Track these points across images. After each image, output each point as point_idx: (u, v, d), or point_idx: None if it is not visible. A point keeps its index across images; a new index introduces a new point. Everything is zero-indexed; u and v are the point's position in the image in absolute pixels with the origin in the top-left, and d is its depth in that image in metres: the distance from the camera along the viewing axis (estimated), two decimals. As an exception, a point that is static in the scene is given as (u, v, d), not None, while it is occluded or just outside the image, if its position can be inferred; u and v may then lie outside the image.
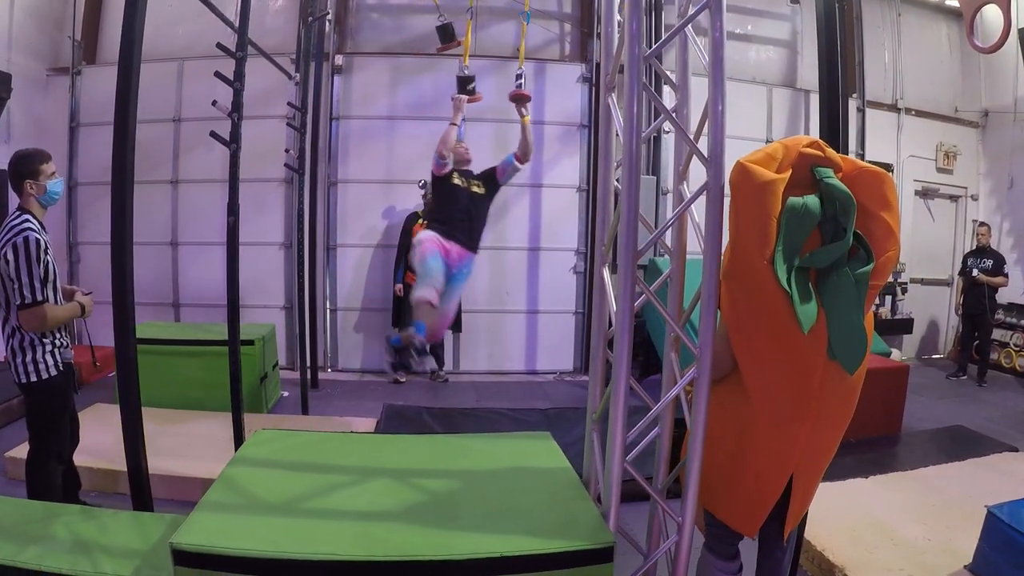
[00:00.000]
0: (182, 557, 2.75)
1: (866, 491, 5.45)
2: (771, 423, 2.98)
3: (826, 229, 2.85)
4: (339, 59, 9.88)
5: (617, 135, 3.17)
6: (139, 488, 4.27)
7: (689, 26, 3.12)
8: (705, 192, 2.88)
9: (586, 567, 2.85)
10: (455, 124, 6.12)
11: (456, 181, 6.00)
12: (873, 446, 6.86)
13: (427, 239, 5.83)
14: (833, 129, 3.84)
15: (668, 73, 3.46)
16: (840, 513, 4.96)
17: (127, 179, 4.03)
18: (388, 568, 2.76)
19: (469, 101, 6.50)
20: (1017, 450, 6.88)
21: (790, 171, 2.82)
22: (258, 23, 4.94)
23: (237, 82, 4.93)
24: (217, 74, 4.88)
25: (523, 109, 6.27)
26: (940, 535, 4.69)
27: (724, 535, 3.28)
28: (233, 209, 4.89)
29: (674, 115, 3.16)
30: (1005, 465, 6.33)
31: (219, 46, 4.88)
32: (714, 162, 2.83)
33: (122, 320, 4.14)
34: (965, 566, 4.22)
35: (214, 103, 4.98)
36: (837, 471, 5.80)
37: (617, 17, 3.29)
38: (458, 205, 5.96)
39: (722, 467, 3.10)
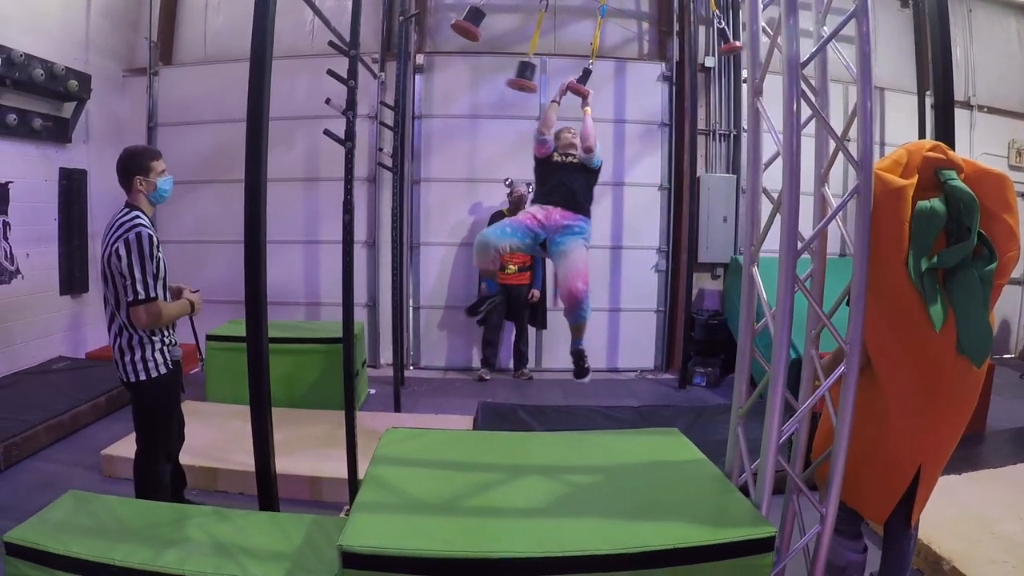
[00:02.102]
0: (352, 559, 2.82)
1: (962, 487, 5.53)
2: (903, 415, 3.20)
3: (951, 230, 3.06)
4: (420, 58, 9.93)
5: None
6: (267, 488, 4.32)
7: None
8: (856, 195, 3.02)
9: (748, 557, 3.00)
10: (556, 102, 6.26)
11: (556, 159, 6.10)
12: (961, 444, 6.73)
13: (518, 215, 6.07)
14: (949, 131, 3.91)
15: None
16: (940, 508, 4.93)
17: (260, 177, 4.10)
18: (567, 563, 2.83)
19: (520, 89, 6.58)
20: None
21: (916, 176, 3.04)
22: (337, 22, 4.94)
23: (351, 79, 4.95)
24: (330, 72, 4.92)
25: (585, 103, 6.35)
26: None
27: (852, 518, 3.53)
28: (348, 207, 4.91)
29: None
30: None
31: (331, 44, 4.91)
32: (864, 165, 2.98)
33: (255, 321, 4.22)
34: None
35: (327, 101, 5.02)
36: None
37: (761, 21, 3.34)
38: (555, 176, 6.03)
39: (856, 457, 3.23)
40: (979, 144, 11.75)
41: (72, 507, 3.75)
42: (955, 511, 5.04)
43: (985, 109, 11.84)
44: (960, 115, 11.31)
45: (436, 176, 10.12)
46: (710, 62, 10.09)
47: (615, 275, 10.33)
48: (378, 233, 9.62)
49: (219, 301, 7.77)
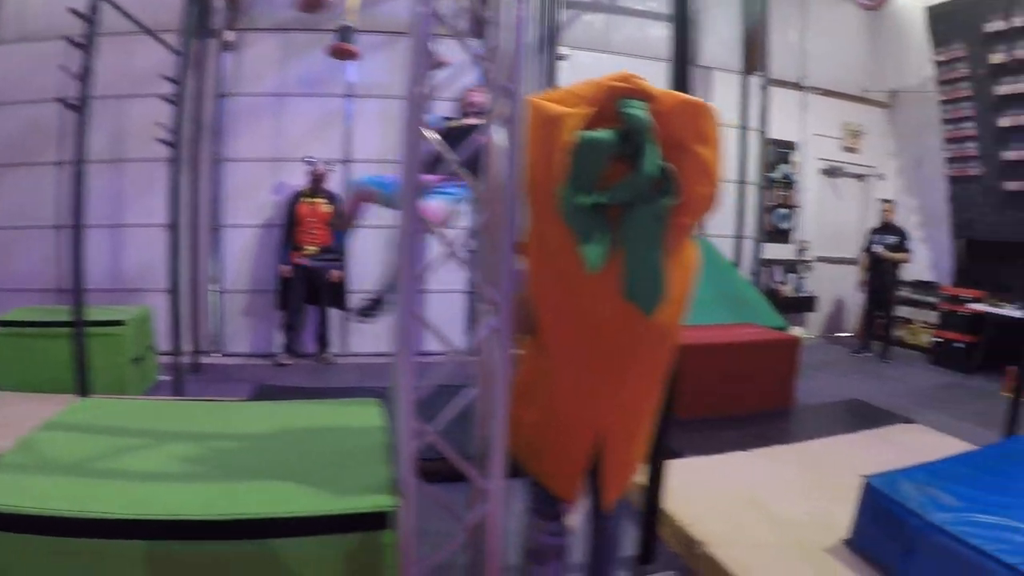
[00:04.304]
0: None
1: (746, 464, 5.28)
2: (570, 375, 2.80)
3: (636, 165, 2.62)
4: (230, 35, 9.63)
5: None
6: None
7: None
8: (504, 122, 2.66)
9: (363, 532, 2.73)
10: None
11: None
12: (763, 420, 6.71)
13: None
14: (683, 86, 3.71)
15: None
16: (713, 486, 4.79)
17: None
18: (151, 526, 2.65)
19: (342, 56, 6.35)
20: (913, 422, 6.75)
21: (594, 108, 2.62)
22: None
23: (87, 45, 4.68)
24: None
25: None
26: (820, 509, 4.47)
27: (549, 497, 3.05)
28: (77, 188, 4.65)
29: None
30: (899, 436, 6.17)
31: (73, 10, 4.62)
32: (514, 95, 2.62)
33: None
34: (843, 540, 4.03)
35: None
36: (716, 444, 5.73)
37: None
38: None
39: (534, 426, 2.91)
40: (812, 125, 11.91)
41: None
42: (730, 490, 4.76)
43: (820, 91, 11.93)
44: (792, 96, 11.63)
45: (241, 156, 9.58)
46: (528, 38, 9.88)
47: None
48: (180, 215, 9.30)
49: (22, 290, 7.51)
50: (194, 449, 3.35)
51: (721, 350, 6.84)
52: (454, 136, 5.69)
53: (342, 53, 6.67)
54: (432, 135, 2.63)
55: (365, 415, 3.89)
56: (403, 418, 2.67)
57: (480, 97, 5.61)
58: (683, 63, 3.67)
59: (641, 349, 2.80)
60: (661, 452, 3.89)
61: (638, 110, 2.60)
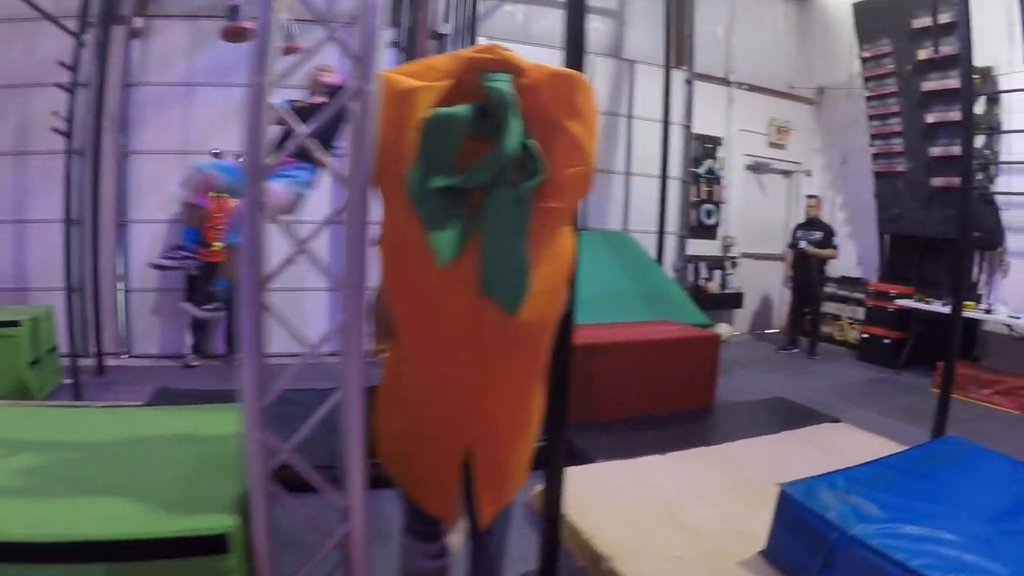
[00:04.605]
0: None
1: (659, 469, 4.97)
2: (433, 382, 2.49)
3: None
4: (138, 22, 9.21)
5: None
6: None
7: None
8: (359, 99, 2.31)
9: (201, 556, 2.41)
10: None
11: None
12: (682, 420, 6.43)
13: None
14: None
15: None
16: (622, 494, 4.48)
17: None
18: None
19: (236, 37, 6.03)
20: (838, 421, 6.55)
21: (451, 81, 2.32)
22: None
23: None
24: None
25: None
26: (735, 516, 4.20)
27: (421, 514, 2.69)
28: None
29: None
30: (822, 437, 5.95)
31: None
32: (363, 64, 2.29)
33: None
34: (759, 551, 3.73)
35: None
36: (632, 447, 5.39)
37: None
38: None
39: (400, 437, 2.60)
40: (737, 120, 11.85)
41: None
42: (640, 497, 4.45)
43: (745, 86, 11.86)
44: (718, 91, 11.58)
45: (148, 148, 9.10)
46: (445, 28, 9.63)
47: (336, 250, 9.65)
48: (84, 210, 8.85)
49: None
50: (41, 460, 3.04)
51: (638, 348, 6.55)
52: (301, 117, 5.37)
53: (235, 34, 6.32)
54: (277, 115, 2.35)
55: (225, 422, 3.54)
56: (248, 430, 2.33)
57: (330, 77, 5.34)
58: (578, 51, 3.40)
59: (508, 351, 2.49)
60: (558, 458, 3.54)
61: (501, 83, 2.31)
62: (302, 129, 2.44)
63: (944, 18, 8.76)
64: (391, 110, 2.29)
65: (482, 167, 2.26)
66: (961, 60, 5.33)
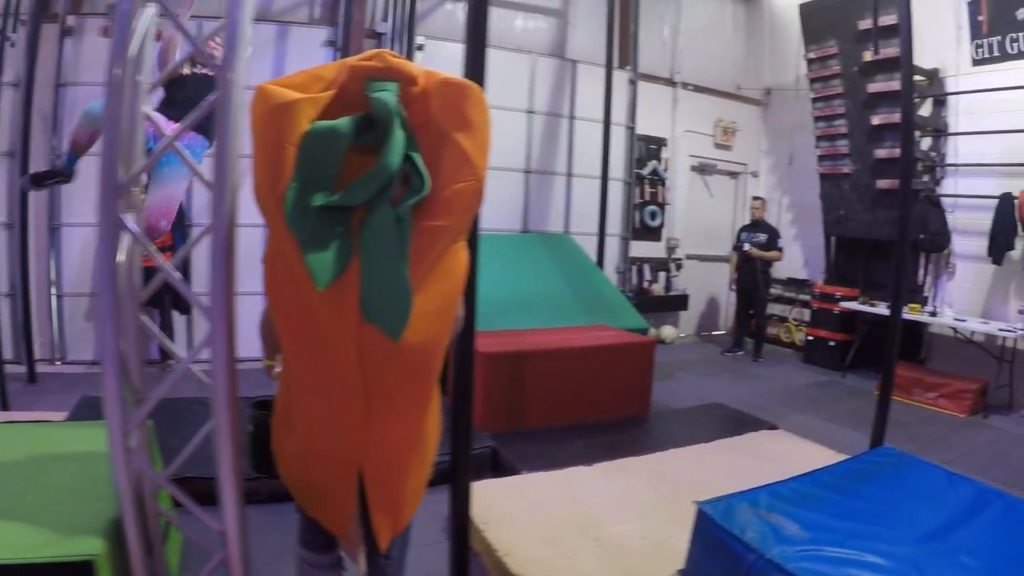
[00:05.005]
0: None
1: (584, 480, 4.81)
2: (319, 406, 2.37)
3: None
4: (71, 20, 8.97)
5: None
6: None
7: None
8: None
9: None
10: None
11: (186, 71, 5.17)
12: (615, 429, 6.27)
13: None
14: (479, 73, 3.29)
15: None
16: (543, 509, 4.30)
17: None
18: None
19: None
20: (776, 428, 6.45)
21: (334, 91, 2.18)
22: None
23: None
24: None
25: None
26: (658, 532, 4.06)
27: (316, 525, 2.61)
28: None
29: None
30: (758, 445, 5.84)
31: None
32: (224, 71, 2.17)
33: None
34: (678, 571, 3.54)
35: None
36: (560, 458, 5.21)
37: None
38: (184, 90, 4.96)
39: (295, 459, 2.50)
40: (683, 121, 11.78)
41: None
42: (561, 512, 4.28)
43: (691, 87, 11.80)
44: (663, 92, 11.49)
45: None
46: (383, 27, 9.48)
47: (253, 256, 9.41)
48: (15, 214, 8.57)
49: None
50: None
51: (569, 354, 6.39)
52: (186, 88, 5.13)
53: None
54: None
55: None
56: (113, 453, 2.19)
57: (220, 51, 5.14)
58: (479, 46, 3.26)
59: (394, 375, 2.35)
60: (464, 475, 3.39)
61: (385, 92, 2.17)
62: (171, 131, 2.30)
63: (887, 20, 8.75)
64: (269, 125, 2.11)
65: (362, 183, 2.11)
66: (902, 62, 5.25)
